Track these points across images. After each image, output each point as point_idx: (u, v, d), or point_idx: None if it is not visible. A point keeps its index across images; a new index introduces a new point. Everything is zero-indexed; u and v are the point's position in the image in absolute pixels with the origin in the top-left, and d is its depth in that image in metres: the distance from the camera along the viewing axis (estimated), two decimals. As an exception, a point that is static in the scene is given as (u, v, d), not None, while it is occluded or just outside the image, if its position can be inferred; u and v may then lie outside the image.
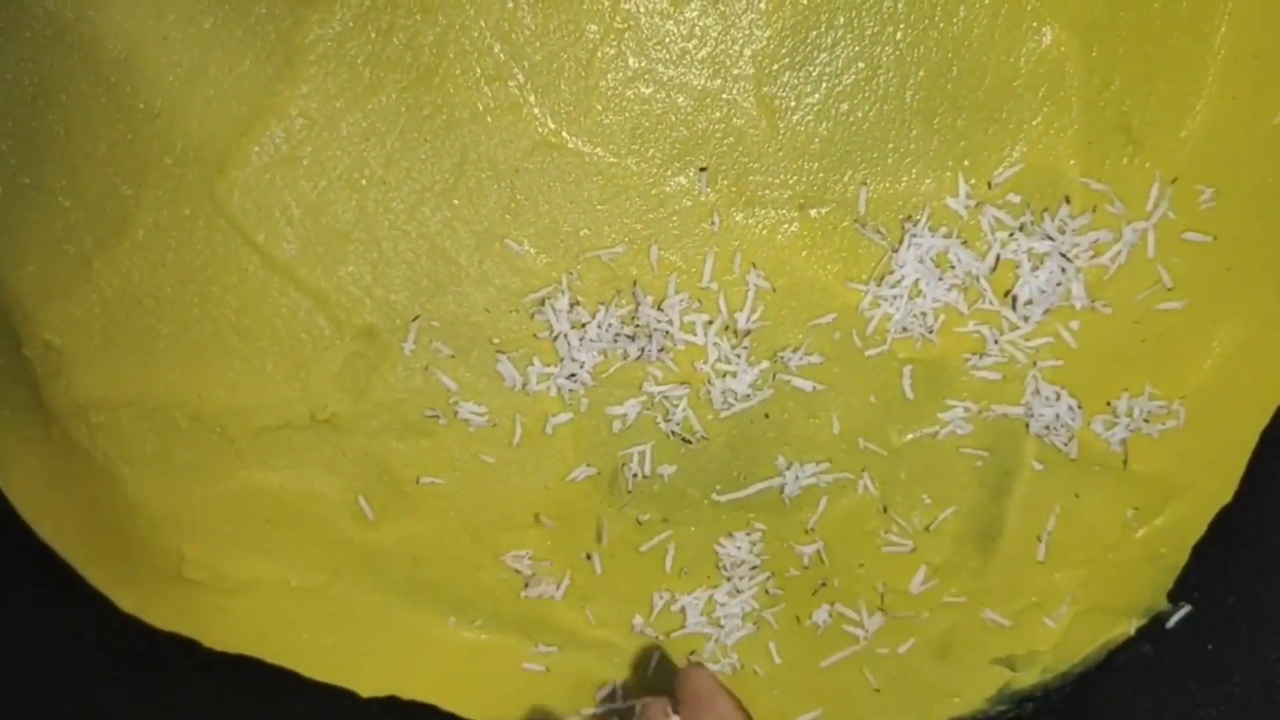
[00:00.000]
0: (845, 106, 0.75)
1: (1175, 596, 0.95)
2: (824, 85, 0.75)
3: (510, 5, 0.71)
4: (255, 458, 0.80)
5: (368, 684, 0.89)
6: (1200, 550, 0.93)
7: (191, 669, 0.87)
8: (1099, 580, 0.93)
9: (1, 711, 0.80)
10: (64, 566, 0.85)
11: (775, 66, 0.74)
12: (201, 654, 0.88)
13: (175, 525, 0.83)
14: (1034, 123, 0.77)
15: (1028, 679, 0.96)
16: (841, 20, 0.73)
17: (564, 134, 0.73)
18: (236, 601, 0.86)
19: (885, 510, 0.88)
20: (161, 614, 0.86)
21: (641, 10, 0.72)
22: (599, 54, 0.72)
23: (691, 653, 0.90)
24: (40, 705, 0.83)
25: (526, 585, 0.88)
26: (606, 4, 0.71)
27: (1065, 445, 0.86)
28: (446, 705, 0.91)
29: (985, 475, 0.88)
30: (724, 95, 0.75)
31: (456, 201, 0.75)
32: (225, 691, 0.88)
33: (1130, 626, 0.96)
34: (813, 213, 0.77)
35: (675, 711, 0.74)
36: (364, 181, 0.73)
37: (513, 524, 0.87)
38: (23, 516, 0.82)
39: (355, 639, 0.88)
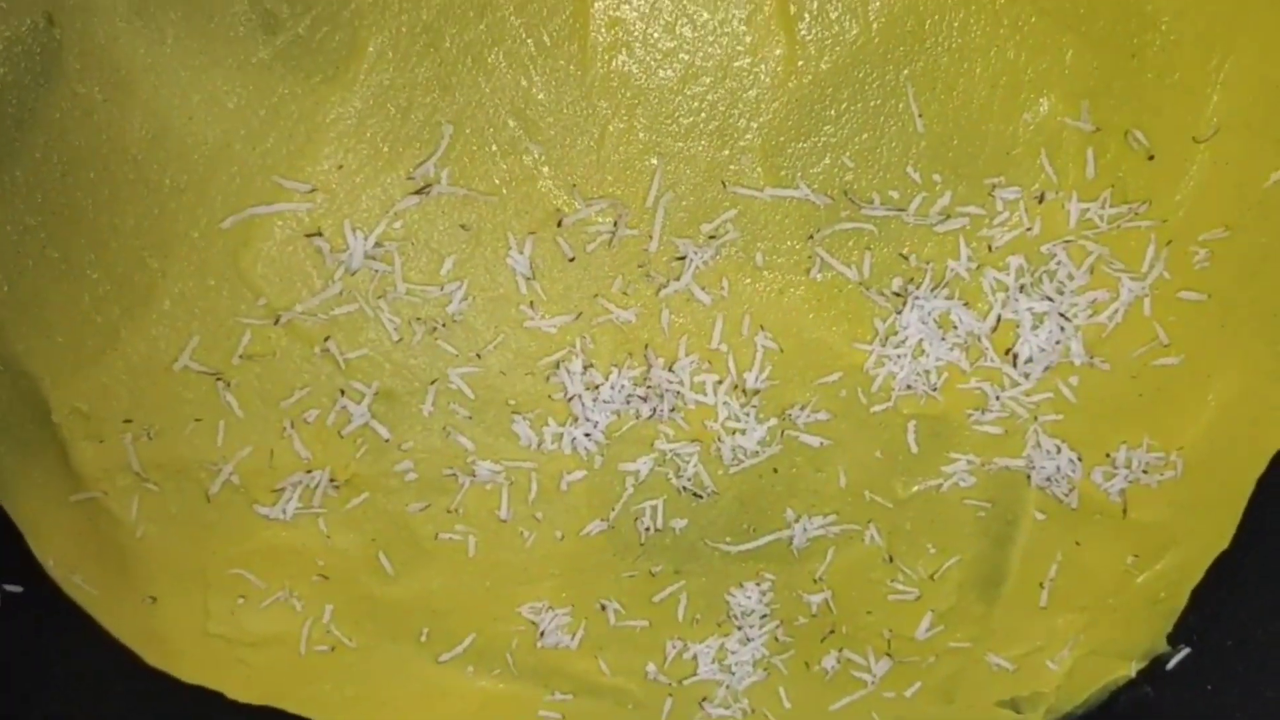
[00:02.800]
0: (850, 175, 0.76)
1: (1175, 639, 0.96)
2: (829, 156, 0.76)
3: (524, 83, 0.72)
4: (277, 517, 0.80)
5: (388, 733, 0.89)
6: (1199, 594, 0.94)
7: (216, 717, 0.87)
8: (1100, 624, 0.94)
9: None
10: (92, 622, 0.85)
11: (781, 138, 0.75)
12: (225, 705, 0.87)
13: (199, 582, 0.84)
14: (1032, 188, 0.78)
15: (1031, 720, 0.93)
16: (846, 94, 0.74)
17: (577, 205, 0.74)
18: (259, 654, 0.88)
19: (891, 560, 0.89)
20: (187, 667, 0.88)
21: (651, 86, 0.73)
22: (610, 128, 0.74)
23: (703, 699, 0.90)
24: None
25: (542, 635, 0.89)
26: (616, 81, 0.73)
27: (1066, 496, 0.87)
28: (465, 752, 0.90)
29: (988, 525, 0.89)
30: (731, 166, 0.76)
31: (473, 270, 0.76)
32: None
33: (1131, 669, 0.97)
34: (818, 277, 0.78)
35: None
36: (382, 253, 0.74)
37: (528, 577, 0.88)
38: (51, 575, 0.82)
39: (375, 689, 0.90)
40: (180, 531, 0.84)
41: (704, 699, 0.92)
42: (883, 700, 0.94)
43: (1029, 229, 0.80)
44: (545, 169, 0.74)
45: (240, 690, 0.90)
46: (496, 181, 0.75)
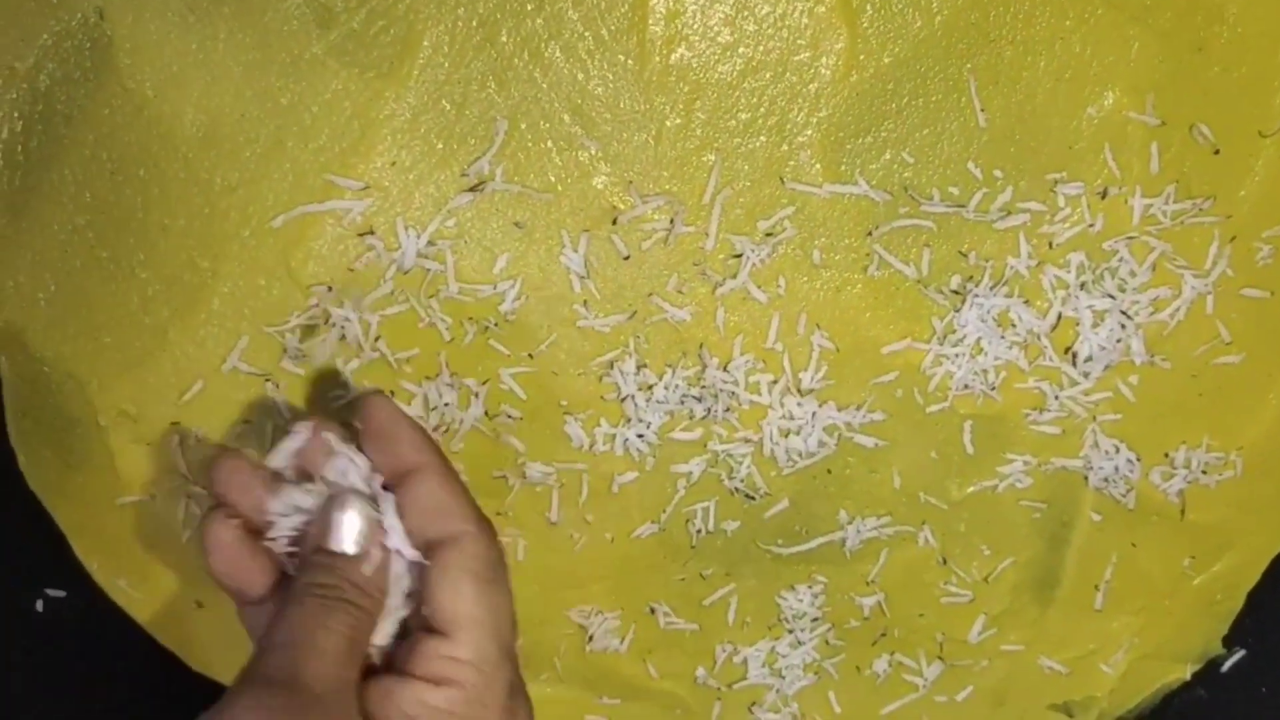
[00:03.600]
0: (909, 172, 0.75)
1: (1230, 641, 0.96)
2: (888, 151, 0.76)
3: (581, 78, 0.71)
4: (326, 520, 0.79)
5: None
6: (1255, 596, 0.94)
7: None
8: (1155, 627, 0.94)
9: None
10: (136, 627, 0.85)
11: (840, 134, 0.74)
12: None
13: None
14: (1095, 184, 0.77)
15: (1084, 724, 0.92)
16: (908, 88, 0.73)
17: (633, 202, 0.73)
18: None
19: (945, 562, 0.88)
20: (229, 672, 0.84)
21: (709, 81, 0.72)
22: (667, 124, 0.73)
23: (753, 703, 0.90)
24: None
25: (591, 639, 0.89)
26: (673, 77, 0.72)
27: (1123, 497, 0.86)
28: (511, 758, 0.89)
29: (1043, 527, 0.88)
30: (789, 162, 0.75)
31: (527, 268, 0.75)
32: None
33: (1186, 671, 0.97)
34: (875, 274, 0.77)
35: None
36: (435, 252, 0.73)
37: (578, 580, 0.87)
38: (95, 579, 0.82)
39: None
40: (227, 535, 0.80)
41: (753, 703, 0.92)
42: (934, 704, 0.93)
43: (1091, 225, 0.79)
44: (601, 165, 0.74)
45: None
46: (551, 178, 0.74)
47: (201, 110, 0.71)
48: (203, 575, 0.74)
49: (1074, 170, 0.79)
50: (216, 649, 0.86)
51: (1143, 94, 0.75)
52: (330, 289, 0.75)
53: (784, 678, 0.90)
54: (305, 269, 0.74)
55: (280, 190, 0.73)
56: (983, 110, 0.74)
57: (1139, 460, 0.88)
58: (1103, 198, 0.79)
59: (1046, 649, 0.93)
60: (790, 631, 0.89)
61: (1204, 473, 0.88)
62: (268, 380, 0.77)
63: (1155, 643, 0.95)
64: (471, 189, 0.74)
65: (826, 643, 0.91)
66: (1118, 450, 0.86)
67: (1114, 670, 0.95)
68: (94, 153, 0.73)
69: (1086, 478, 0.88)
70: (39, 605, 0.85)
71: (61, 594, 0.86)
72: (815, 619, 0.89)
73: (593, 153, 0.74)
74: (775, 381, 0.80)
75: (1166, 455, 0.88)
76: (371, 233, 0.74)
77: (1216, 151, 0.77)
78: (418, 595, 0.64)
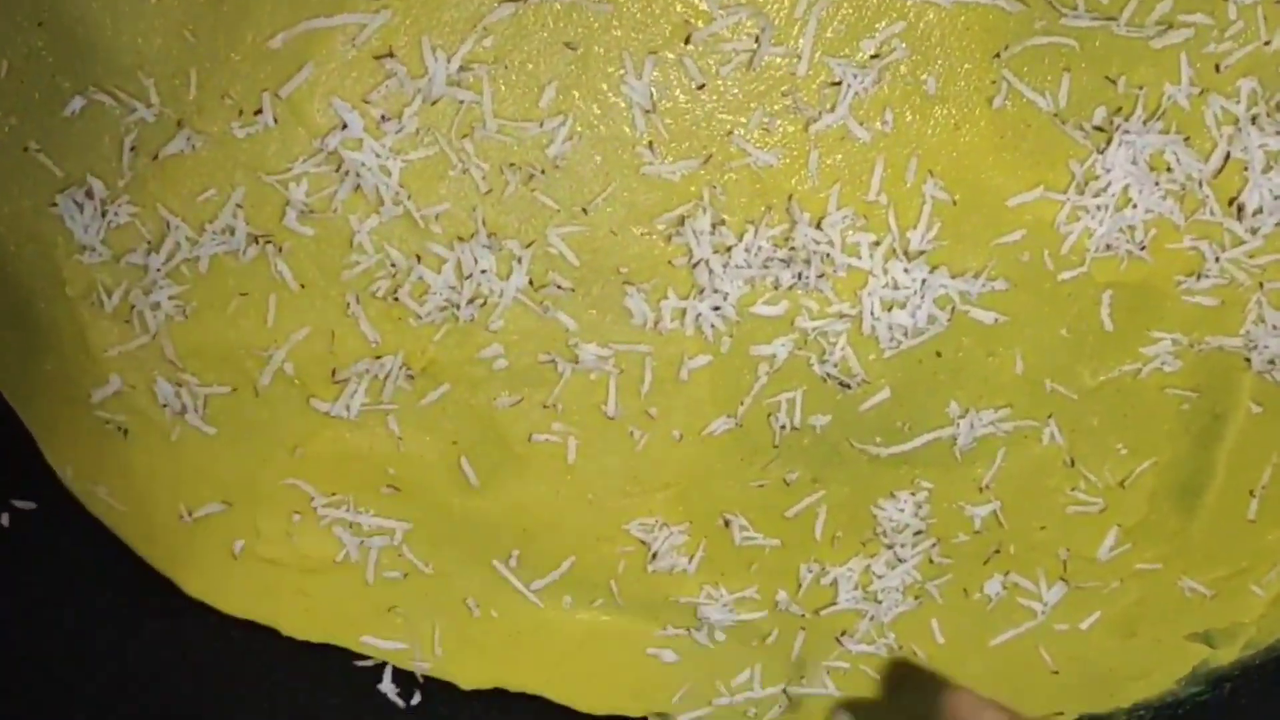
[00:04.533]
0: (1051, -26, 0.61)
1: None
2: None
3: None
4: (339, 415, 0.67)
5: (470, 675, 0.81)
6: None
7: (266, 660, 0.74)
8: None
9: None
10: (119, 544, 0.76)
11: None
12: (279, 643, 0.78)
13: (248, 495, 0.74)
14: (1276, -9, 0.62)
15: (1227, 656, 0.86)
16: None
17: (711, 14, 0.60)
18: (318, 582, 0.78)
19: (1073, 463, 0.78)
20: (233, 599, 0.77)
21: None
22: (754, -86, 0.58)
23: (842, 632, 0.77)
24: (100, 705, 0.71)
25: (654, 558, 0.78)
26: None
27: None
28: (559, 697, 0.82)
29: (1192, 420, 0.78)
30: None
31: (580, 101, 0.63)
32: (302, 683, 0.78)
33: (1351, 593, 0.81)
34: (1003, 105, 0.67)
35: None
36: (468, 79, 0.60)
37: (639, 487, 0.77)
38: (69, 487, 0.72)
39: (456, 624, 0.80)
40: (223, 433, 0.73)
41: (843, 633, 0.83)
42: (1053, 633, 0.84)
43: (1267, 43, 0.68)
44: (671, -35, 0.59)
45: (297, 626, 0.80)
46: None
47: None
48: (194, 482, 0.69)
49: (1252, -27, 0.63)
50: (213, 570, 0.74)
51: None
52: (343, 126, 0.60)
53: (880, 603, 0.81)
54: (310, 102, 0.62)
55: (278, 1, 0.59)
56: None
57: (1313, 336, 0.72)
58: (1285, 7, 0.63)
59: (1189, 567, 0.83)
60: (888, 548, 0.80)
61: (1394, 352, 0.73)
62: (268, 243, 0.63)
63: (1317, 560, 0.80)
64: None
65: (930, 561, 0.81)
66: (1288, 325, 0.71)
67: (1266, 593, 0.84)
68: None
69: (1249, 360, 0.76)
70: (4, 519, 0.74)
71: (31, 505, 0.75)
72: (918, 532, 0.79)
73: None
74: (878, 242, 0.69)
75: (1348, 331, 0.73)
76: (391, 55, 0.63)
77: None
78: None
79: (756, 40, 0.64)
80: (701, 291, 0.69)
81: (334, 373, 0.69)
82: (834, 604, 0.79)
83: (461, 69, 0.63)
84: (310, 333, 0.69)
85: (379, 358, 0.69)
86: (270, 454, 0.72)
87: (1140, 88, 0.67)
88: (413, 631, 0.78)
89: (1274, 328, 0.72)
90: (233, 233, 0.65)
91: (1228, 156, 0.68)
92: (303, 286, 0.67)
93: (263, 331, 0.68)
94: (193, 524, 0.73)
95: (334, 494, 0.73)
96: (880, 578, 0.79)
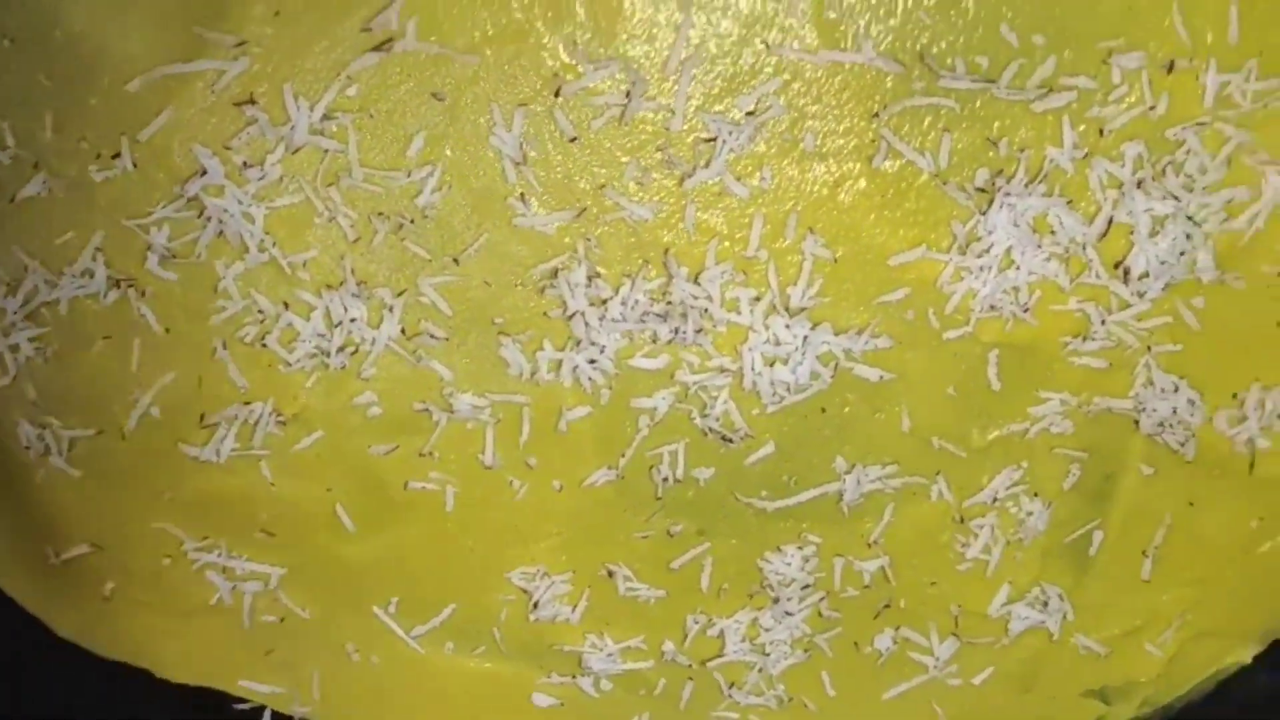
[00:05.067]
0: (927, 36, 0.64)
1: (1301, 619, 0.80)
2: (901, 8, 0.64)
3: (515, -96, 0.57)
4: (209, 459, 0.67)
5: (349, 720, 0.76)
6: (1333, 567, 0.78)
7: (141, 702, 0.74)
8: (1212, 601, 0.82)
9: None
10: None
11: (842, -17, 0.60)
12: (153, 686, 0.79)
13: (117, 538, 0.74)
14: (1158, 55, 0.66)
15: (1123, 713, 0.86)
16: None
17: (580, 69, 0.60)
18: (192, 625, 0.77)
19: (962, 520, 0.78)
20: (105, 640, 0.77)
21: None
22: (624, -33, 0.58)
23: (731, 684, 0.77)
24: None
25: (536, 606, 0.78)
26: (634, -96, 0.57)
27: (1181, 446, 0.76)
28: (442, 744, 0.78)
29: (1083, 480, 0.77)
30: (777, 20, 0.64)
31: (449, 151, 0.63)
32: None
33: (1246, 653, 0.85)
34: (883, 166, 0.67)
35: None
36: (333, 128, 0.59)
37: (519, 536, 0.76)
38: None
39: (334, 669, 0.80)
40: (90, 476, 0.73)
41: (732, 684, 0.82)
42: (946, 688, 0.83)
43: (1152, 107, 0.67)
44: (539, 22, 0.63)
45: (170, 669, 0.79)
46: (477, 36, 0.63)
47: None
48: (63, 523, 0.70)
49: (1133, 37, 0.66)
50: (85, 612, 0.75)
51: (1224, -62, 0.61)
52: (204, 173, 0.60)
53: (768, 655, 0.81)
54: (169, 147, 0.62)
55: (136, 47, 0.60)
56: (1022, -45, 0.60)
57: (1202, 402, 0.75)
58: (1168, 72, 0.67)
59: (1082, 625, 0.82)
60: (775, 601, 0.79)
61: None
62: (130, 286, 0.63)
63: (1212, 619, 0.84)
64: (376, 48, 0.62)
65: (819, 614, 0.80)
66: (1176, 389, 0.75)
67: (1162, 651, 0.84)
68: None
69: (1137, 422, 0.76)
70: None
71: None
72: (806, 586, 0.79)
73: (528, 3, 0.62)
74: (758, 298, 0.69)
75: (1235, 396, 0.76)
76: (252, 102, 0.62)
77: (1315, 12, 0.62)
78: None
79: (628, 94, 0.63)
80: (578, 343, 0.69)
81: (203, 417, 0.69)
82: (721, 655, 0.79)
83: (325, 117, 0.63)
84: (176, 377, 0.69)
85: (248, 403, 0.69)
86: (139, 497, 0.72)
87: (1022, 150, 0.66)
88: (291, 676, 0.78)
89: (1162, 391, 0.72)
90: (92, 276, 0.65)
91: (1111, 220, 0.67)
92: (167, 330, 0.67)
93: (128, 375, 0.68)
94: (61, 565, 0.72)
95: (205, 538, 0.72)
96: (768, 630, 0.79)
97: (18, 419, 0.69)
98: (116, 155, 0.63)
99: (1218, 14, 0.65)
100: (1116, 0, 0.65)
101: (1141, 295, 0.70)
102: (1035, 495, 0.76)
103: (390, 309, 0.67)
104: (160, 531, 0.73)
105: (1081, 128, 0.67)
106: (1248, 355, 0.74)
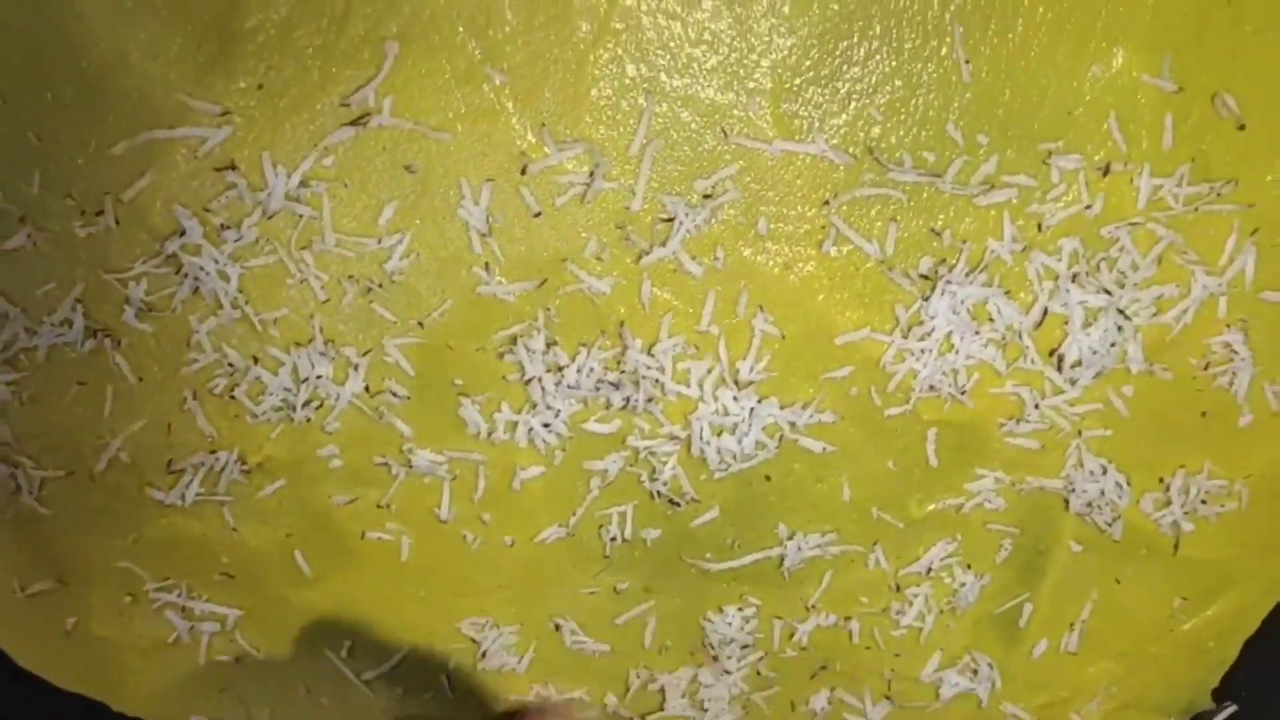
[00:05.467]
0: (877, 130, 0.66)
1: (1221, 695, 0.88)
2: (853, 104, 0.66)
3: (490, -5, 0.60)
4: (174, 503, 0.69)
5: (300, 760, 0.79)
6: (1251, 646, 0.86)
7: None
8: (1137, 675, 0.86)
9: None
10: None
11: (797, 80, 0.65)
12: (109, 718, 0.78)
13: (82, 575, 0.76)
14: (1095, 158, 0.68)
15: (1049, 780, 0.84)
16: (877, 30, 0.63)
17: (546, 149, 0.63)
18: (150, 662, 0.80)
19: (898, 588, 0.81)
20: (65, 672, 0.80)
21: (644, 8, 0.62)
22: (591, 57, 0.63)
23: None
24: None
25: (484, 655, 0.82)
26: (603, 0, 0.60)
27: (1108, 526, 0.79)
28: (389, 784, 0.80)
29: (1015, 555, 0.81)
30: (735, 111, 0.66)
31: (418, 221, 0.66)
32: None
33: (1169, 727, 0.84)
34: (832, 251, 0.68)
35: None
36: (308, 195, 0.62)
37: (471, 587, 0.79)
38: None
39: (288, 708, 0.82)
40: (59, 515, 0.76)
41: None
42: None
43: (1088, 206, 0.71)
44: (509, 103, 0.64)
45: (127, 702, 0.82)
46: (449, 115, 0.66)
47: (29, 12, 0.59)
48: (29, 559, 0.72)
49: (1071, 140, 0.70)
50: (46, 644, 0.78)
51: (1158, 53, 0.66)
52: (183, 233, 0.63)
53: (706, 711, 0.84)
54: (151, 206, 0.64)
55: (123, 111, 0.64)
56: (967, 62, 0.65)
57: (1129, 485, 0.79)
58: (1104, 175, 0.70)
59: (1011, 694, 0.86)
60: (716, 659, 0.79)
61: (1203, 503, 0.80)
62: (107, 336, 0.66)
63: (1135, 693, 0.87)
64: (353, 122, 0.64)
65: (758, 674, 0.84)
66: (1105, 471, 0.79)
67: (1087, 722, 0.83)
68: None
69: (1067, 501, 0.80)
70: None
71: None
72: (745, 646, 0.83)
73: (499, 86, 0.64)
74: (708, 370, 0.72)
75: (1161, 480, 0.80)
76: (233, 167, 0.64)
77: (1241, 127, 0.68)
78: None
79: (591, 174, 0.66)
80: (535, 406, 0.71)
81: (170, 463, 0.72)
82: (661, 710, 0.82)
83: (302, 185, 0.66)
84: (146, 423, 0.71)
85: (214, 451, 0.71)
86: (105, 537, 0.74)
87: (964, 241, 0.70)
88: (244, 712, 0.80)
89: (1092, 473, 0.75)
90: (71, 325, 0.68)
91: (1047, 311, 0.70)
92: (140, 380, 0.69)
93: (99, 420, 0.71)
94: (25, 599, 0.75)
95: (166, 579, 0.75)
96: (708, 687, 0.81)
97: (-10, 458, 0.70)
98: (100, 213, 0.65)
99: (1153, 121, 0.68)
100: (1057, 105, 0.67)
101: (1074, 382, 0.73)
102: (968, 567, 0.78)
103: (355, 367, 0.70)
104: (124, 570, 0.75)
105: (1021, 222, 0.70)
106: (1173, 442, 0.76)
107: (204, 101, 0.64)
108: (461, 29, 0.63)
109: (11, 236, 0.66)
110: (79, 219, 0.66)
